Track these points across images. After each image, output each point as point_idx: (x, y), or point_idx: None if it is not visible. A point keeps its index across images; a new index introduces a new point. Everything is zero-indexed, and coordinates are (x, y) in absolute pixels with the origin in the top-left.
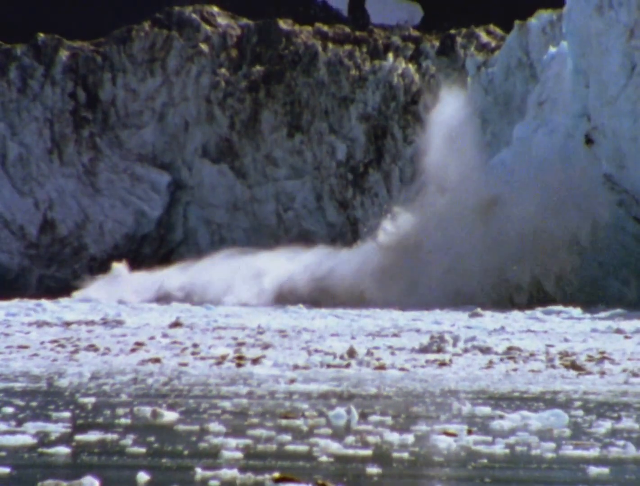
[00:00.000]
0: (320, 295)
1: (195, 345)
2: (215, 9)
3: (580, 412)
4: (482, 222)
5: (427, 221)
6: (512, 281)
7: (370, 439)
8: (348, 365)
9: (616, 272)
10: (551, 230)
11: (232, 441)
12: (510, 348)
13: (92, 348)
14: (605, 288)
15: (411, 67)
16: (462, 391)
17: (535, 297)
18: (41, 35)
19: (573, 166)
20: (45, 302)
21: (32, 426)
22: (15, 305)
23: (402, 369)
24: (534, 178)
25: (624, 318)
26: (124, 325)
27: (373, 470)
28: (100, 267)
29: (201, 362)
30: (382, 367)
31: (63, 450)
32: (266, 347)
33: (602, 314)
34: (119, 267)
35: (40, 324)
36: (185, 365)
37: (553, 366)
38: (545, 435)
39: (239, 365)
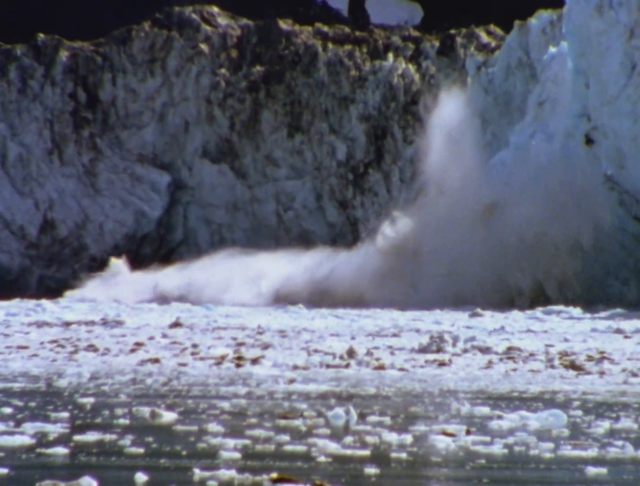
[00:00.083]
0: (319, 298)
1: (194, 346)
2: (215, 9)
3: (579, 412)
4: (482, 226)
5: (426, 225)
6: (512, 285)
7: (369, 439)
8: (347, 365)
9: (616, 271)
10: (552, 234)
11: (231, 442)
12: (510, 348)
13: (91, 348)
14: (606, 288)
15: (411, 67)
16: (461, 391)
17: (536, 300)
18: (41, 35)
19: (573, 166)
20: (45, 302)
21: (30, 427)
22: (15, 305)
23: (401, 369)
24: (534, 181)
25: (624, 318)
26: (123, 326)
27: (371, 470)
28: (100, 267)
29: (200, 362)
30: (381, 367)
31: (61, 450)
32: (266, 347)
33: (602, 314)
34: (118, 263)
35: (40, 324)
36: (184, 365)
37: (552, 367)
38: (544, 435)
39: (238, 366)
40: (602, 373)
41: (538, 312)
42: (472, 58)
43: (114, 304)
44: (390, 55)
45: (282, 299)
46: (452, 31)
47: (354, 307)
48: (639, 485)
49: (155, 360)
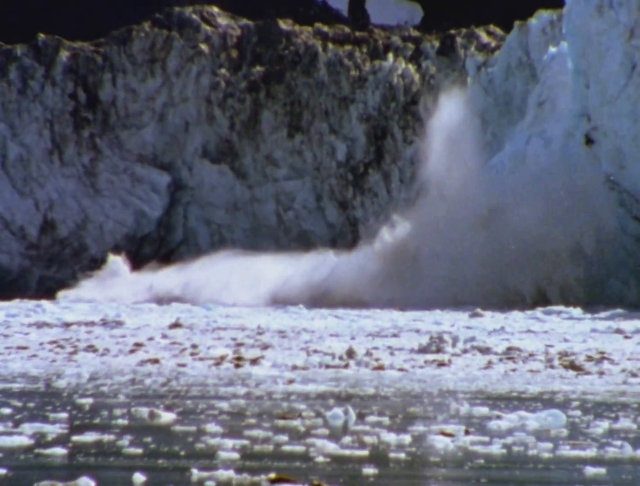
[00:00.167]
0: (318, 300)
1: (194, 346)
2: (215, 9)
3: (578, 412)
4: (483, 231)
5: (426, 229)
6: (513, 290)
7: (367, 439)
8: (347, 366)
9: (616, 272)
10: (554, 238)
11: (229, 442)
12: (509, 349)
13: (91, 349)
14: (606, 289)
15: (411, 68)
16: (460, 391)
17: (536, 304)
18: (41, 35)
19: (573, 167)
20: (45, 303)
21: (29, 427)
22: (15, 305)
23: (400, 369)
24: (535, 182)
25: (624, 318)
26: (123, 326)
27: (369, 470)
28: (100, 267)
29: (200, 363)
30: (380, 368)
31: (60, 450)
32: (265, 347)
33: (602, 314)
34: (117, 260)
35: (40, 325)
36: (183, 365)
37: (552, 367)
38: (543, 435)
39: (237, 366)
40: (601, 374)
41: (538, 312)
42: (472, 58)
43: (114, 304)
44: (390, 56)
45: (280, 301)
46: (452, 31)
47: (354, 308)
48: (637, 485)
49: (155, 361)
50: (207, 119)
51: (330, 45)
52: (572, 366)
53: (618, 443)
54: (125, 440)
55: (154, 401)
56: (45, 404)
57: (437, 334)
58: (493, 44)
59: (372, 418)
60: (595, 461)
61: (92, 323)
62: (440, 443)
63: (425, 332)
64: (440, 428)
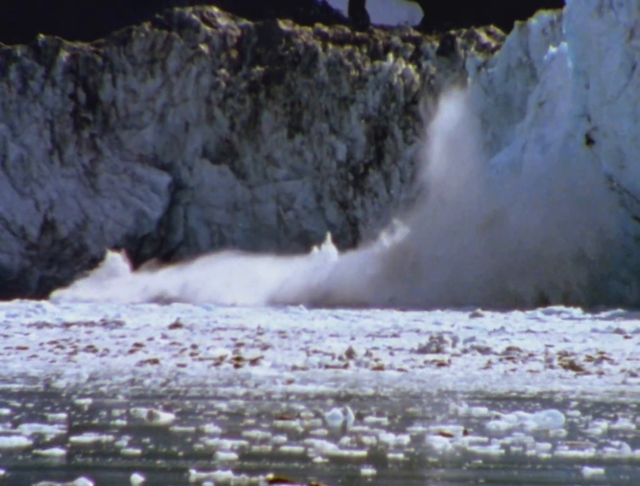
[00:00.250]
0: (317, 303)
1: (194, 346)
2: (215, 9)
3: (576, 412)
4: (484, 235)
5: (426, 234)
6: (514, 295)
7: (366, 440)
8: (346, 366)
9: (617, 272)
10: (556, 242)
11: (227, 443)
12: (509, 349)
13: (90, 349)
14: (606, 289)
15: (411, 68)
16: (459, 391)
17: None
18: (41, 36)
19: (574, 167)
20: (45, 303)
21: (27, 428)
22: (15, 306)
23: (400, 370)
24: (535, 186)
25: (625, 318)
26: (123, 326)
27: (368, 470)
28: (99, 265)
29: (199, 363)
30: (380, 368)
31: (58, 451)
32: (265, 347)
33: (603, 314)
34: (116, 257)
35: (40, 325)
36: (183, 366)
37: (551, 367)
38: (541, 435)
39: (237, 366)
40: (601, 374)
41: (538, 312)
42: (472, 58)
43: (114, 305)
44: (391, 56)
45: (280, 303)
46: (452, 31)
47: (354, 308)
48: None
49: (154, 361)
50: (207, 119)
51: (330, 46)
52: (572, 366)
53: (616, 443)
54: (123, 441)
55: (153, 402)
56: (44, 404)
57: (437, 334)
58: (493, 44)
59: (371, 419)
60: (594, 462)
61: (92, 324)
62: (439, 443)
63: (425, 332)
64: (438, 428)
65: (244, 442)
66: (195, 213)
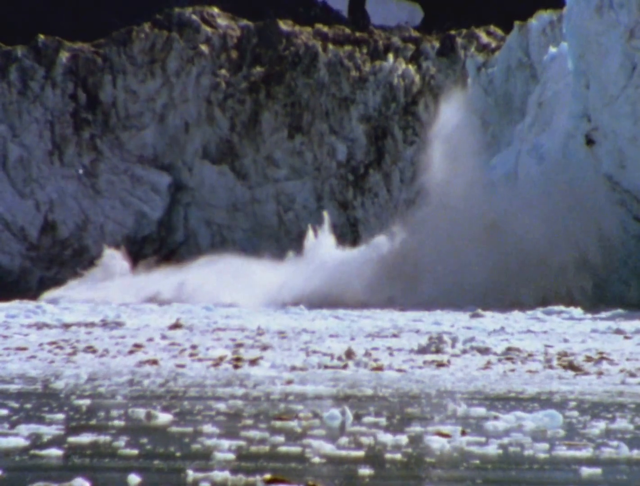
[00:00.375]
0: (317, 304)
1: (193, 347)
2: (215, 10)
3: (575, 413)
4: (485, 240)
5: (427, 239)
6: (516, 300)
7: (364, 440)
8: (345, 366)
9: (617, 272)
10: (557, 246)
11: (225, 443)
12: (509, 349)
13: (90, 349)
14: (606, 289)
15: (411, 68)
16: (458, 392)
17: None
18: (41, 36)
19: (574, 167)
20: (45, 304)
21: (25, 429)
22: (15, 306)
23: (399, 370)
24: (535, 190)
25: (625, 319)
26: (123, 327)
27: (365, 471)
28: (95, 264)
29: (198, 364)
30: (379, 368)
31: (55, 452)
32: (265, 348)
33: (603, 314)
34: (113, 253)
35: (39, 326)
36: (182, 366)
37: (551, 367)
38: (539, 435)
39: (236, 367)
40: (600, 374)
41: (538, 312)
42: (472, 59)
43: (114, 305)
44: (391, 56)
45: (279, 304)
46: (452, 32)
47: (354, 309)
48: None
49: (154, 362)
50: (207, 120)
51: (330, 46)
52: (571, 366)
53: (614, 443)
54: (121, 441)
55: (152, 402)
56: (42, 405)
57: (437, 335)
58: (493, 44)
59: (369, 419)
60: (591, 462)
61: (92, 324)
62: (437, 443)
63: (425, 332)
64: (437, 428)
65: (241, 442)
66: (196, 213)
